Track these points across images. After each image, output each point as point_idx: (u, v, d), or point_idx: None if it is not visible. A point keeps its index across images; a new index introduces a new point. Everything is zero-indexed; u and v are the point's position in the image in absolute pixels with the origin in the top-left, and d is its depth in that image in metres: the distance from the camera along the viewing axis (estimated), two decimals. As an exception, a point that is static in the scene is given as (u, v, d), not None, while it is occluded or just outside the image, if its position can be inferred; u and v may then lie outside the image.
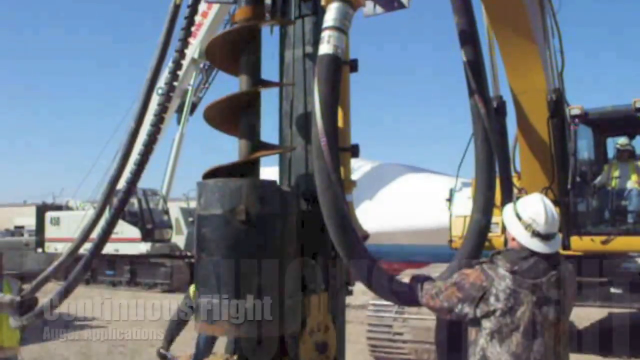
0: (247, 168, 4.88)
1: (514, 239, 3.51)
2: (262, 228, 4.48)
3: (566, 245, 9.60)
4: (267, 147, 4.98)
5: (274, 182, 4.79)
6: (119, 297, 20.35)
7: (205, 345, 6.97)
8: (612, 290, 10.33)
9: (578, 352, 9.19)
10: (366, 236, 4.86)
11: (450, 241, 11.19)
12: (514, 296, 3.35)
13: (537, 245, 3.42)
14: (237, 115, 4.91)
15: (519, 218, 3.48)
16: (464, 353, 3.69)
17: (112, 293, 21.89)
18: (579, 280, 8.75)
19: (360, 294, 12.21)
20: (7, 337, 6.33)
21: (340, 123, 4.78)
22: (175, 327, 6.75)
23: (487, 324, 3.40)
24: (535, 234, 3.41)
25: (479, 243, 4.77)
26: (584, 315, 12.55)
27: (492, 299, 3.37)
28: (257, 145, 4.88)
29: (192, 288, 6.50)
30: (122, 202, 5.40)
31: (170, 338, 6.64)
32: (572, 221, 9.86)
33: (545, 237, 3.42)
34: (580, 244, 9.83)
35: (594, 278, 10.23)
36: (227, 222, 4.47)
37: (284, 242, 4.63)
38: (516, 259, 3.41)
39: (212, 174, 4.82)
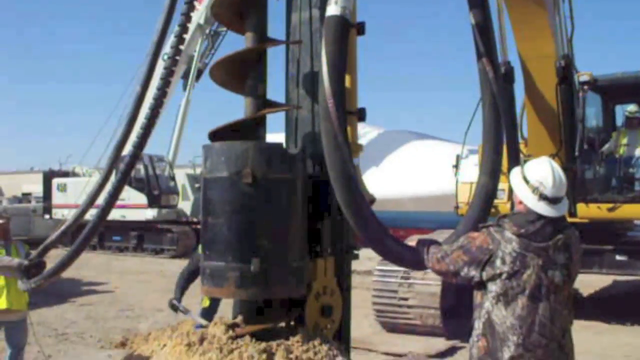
0: (253, 126, 4.85)
1: (520, 202, 3.49)
2: (268, 191, 4.47)
3: (572, 213, 9.58)
4: (273, 105, 4.95)
5: (280, 144, 4.77)
6: (126, 263, 20.54)
7: (209, 309, 7.07)
8: (618, 257, 10.33)
9: (582, 319, 9.23)
10: (373, 200, 4.85)
11: (456, 207, 11.16)
12: (520, 259, 3.34)
13: (544, 209, 3.39)
14: (243, 73, 4.86)
15: (527, 181, 3.45)
16: (469, 318, 3.69)
17: (119, 259, 22.10)
18: (585, 247, 8.77)
19: (365, 259, 12.34)
20: (16, 300, 6.39)
21: (347, 86, 4.74)
22: (185, 281, 6.94)
23: (492, 287, 3.40)
24: (543, 197, 3.39)
25: (485, 207, 4.77)
26: (588, 282, 12.60)
27: (498, 262, 3.36)
28: (263, 103, 4.85)
29: (200, 247, 6.69)
30: (129, 167, 5.39)
31: (181, 290, 6.84)
32: (579, 188, 9.81)
33: (552, 201, 3.39)
34: (587, 211, 9.80)
35: (599, 245, 10.23)
36: (233, 185, 4.47)
37: (290, 205, 4.62)
38: (523, 222, 3.39)
39: (218, 132, 4.80)
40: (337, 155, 4.09)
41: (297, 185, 4.66)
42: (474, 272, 3.44)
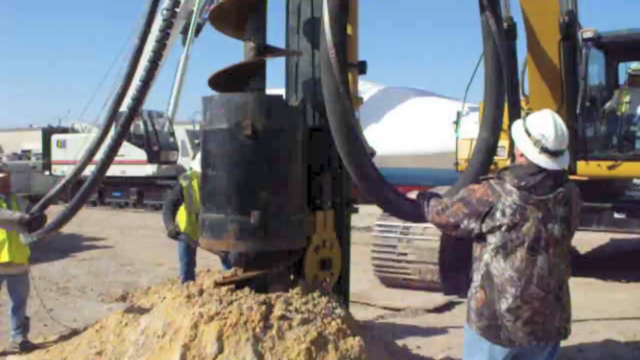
0: (253, 71, 4.78)
1: (522, 155, 3.46)
2: (268, 143, 4.46)
3: (572, 170, 9.56)
4: (274, 50, 4.89)
5: (280, 96, 4.75)
6: (126, 219, 20.62)
7: (186, 255, 7.27)
8: (616, 215, 10.34)
9: (579, 276, 9.29)
10: (373, 153, 4.84)
11: (456, 164, 11.13)
12: (520, 212, 3.33)
13: (545, 162, 3.37)
14: (243, 18, 4.79)
15: (528, 134, 3.41)
16: (467, 273, 3.70)
17: (119, 214, 22.18)
18: (583, 205, 8.74)
19: (365, 216, 12.32)
20: (18, 254, 6.43)
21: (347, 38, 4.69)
22: (171, 212, 7.30)
23: (492, 239, 3.41)
24: (544, 150, 3.36)
25: (485, 161, 4.76)
26: (586, 240, 12.65)
27: (498, 214, 3.36)
28: (263, 48, 4.79)
29: (180, 177, 7.52)
30: (128, 119, 5.37)
31: (171, 220, 7.25)
32: (580, 146, 9.77)
33: (553, 154, 3.37)
34: (587, 168, 9.77)
35: (598, 203, 10.24)
36: (233, 137, 4.45)
37: (290, 157, 4.61)
38: (524, 175, 3.38)
39: (218, 77, 4.75)
40: (338, 106, 4.06)
41: (297, 137, 4.64)
42: (473, 225, 3.44)
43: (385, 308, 8.21)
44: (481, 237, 3.47)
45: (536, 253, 3.36)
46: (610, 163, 9.73)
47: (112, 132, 5.60)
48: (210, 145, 4.61)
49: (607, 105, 10.44)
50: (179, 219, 7.36)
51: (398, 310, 8.11)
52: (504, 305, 3.37)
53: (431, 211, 3.74)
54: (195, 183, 7.18)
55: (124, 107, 5.56)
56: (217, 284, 4.72)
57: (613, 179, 10.57)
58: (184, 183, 7.32)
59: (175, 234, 7.16)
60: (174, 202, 7.34)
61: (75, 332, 6.51)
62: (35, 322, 7.05)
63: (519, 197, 3.34)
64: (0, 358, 6.10)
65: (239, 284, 4.71)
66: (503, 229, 3.36)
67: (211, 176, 4.61)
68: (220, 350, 4.24)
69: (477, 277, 3.52)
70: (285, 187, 4.59)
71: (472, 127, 10.52)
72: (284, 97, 5.01)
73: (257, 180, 4.47)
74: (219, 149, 4.54)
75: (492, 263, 3.42)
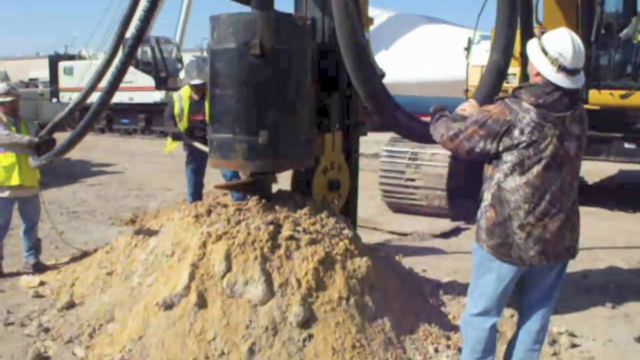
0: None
1: (538, 74, 3.40)
2: (276, 62, 4.39)
3: (584, 99, 9.43)
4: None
5: (289, 15, 4.65)
6: (134, 145, 20.68)
7: (194, 176, 7.62)
8: (626, 145, 10.25)
9: (586, 205, 9.29)
10: (382, 75, 4.77)
11: (466, 91, 10.98)
12: (539, 129, 3.30)
13: (562, 81, 3.31)
14: None
15: (545, 52, 3.34)
16: (475, 199, 3.69)
17: (127, 141, 22.24)
18: (594, 134, 8.66)
19: (373, 143, 12.27)
20: (28, 177, 6.46)
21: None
22: (171, 120, 7.53)
23: (508, 157, 3.37)
24: (562, 68, 3.29)
25: (496, 83, 4.69)
26: (594, 170, 12.62)
27: (516, 133, 3.32)
28: None
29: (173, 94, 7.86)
30: (136, 40, 5.29)
31: (172, 125, 7.53)
32: (593, 74, 9.61)
33: (571, 72, 3.31)
34: (599, 97, 9.62)
35: (608, 133, 10.14)
36: (241, 56, 4.39)
37: (299, 77, 4.55)
38: (540, 93, 3.32)
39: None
40: (347, 23, 3.98)
41: (306, 57, 4.57)
42: (490, 146, 3.39)
43: (392, 233, 8.27)
44: (495, 156, 3.44)
45: (552, 170, 3.35)
46: (623, 92, 9.59)
47: (119, 56, 5.53)
48: (218, 65, 4.54)
49: (623, 32, 10.19)
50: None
51: (405, 235, 8.17)
52: (516, 222, 3.38)
53: (443, 137, 3.65)
54: (185, 99, 7.42)
55: (131, 30, 5.48)
56: (216, 187, 4.78)
57: (625, 108, 10.43)
58: (175, 97, 7.54)
59: (176, 134, 7.45)
60: (171, 115, 7.54)
61: (86, 254, 6.62)
62: (46, 245, 7.16)
63: (537, 115, 3.30)
64: (14, 278, 6.23)
65: (241, 190, 4.76)
66: (521, 146, 3.32)
67: (219, 96, 4.56)
68: (228, 269, 4.29)
69: (487, 196, 3.51)
70: (294, 107, 4.55)
71: (483, 54, 10.32)
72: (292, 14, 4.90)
73: (265, 100, 4.43)
74: (227, 68, 4.48)
75: (505, 181, 3.41)
